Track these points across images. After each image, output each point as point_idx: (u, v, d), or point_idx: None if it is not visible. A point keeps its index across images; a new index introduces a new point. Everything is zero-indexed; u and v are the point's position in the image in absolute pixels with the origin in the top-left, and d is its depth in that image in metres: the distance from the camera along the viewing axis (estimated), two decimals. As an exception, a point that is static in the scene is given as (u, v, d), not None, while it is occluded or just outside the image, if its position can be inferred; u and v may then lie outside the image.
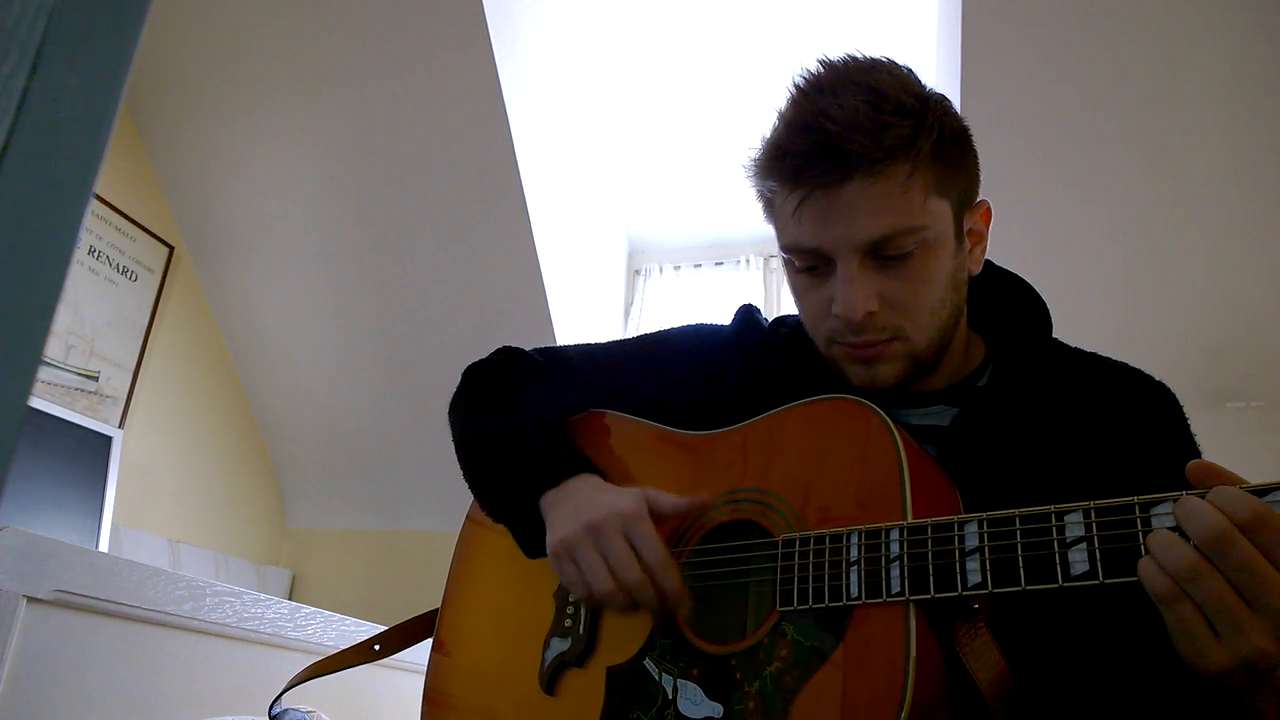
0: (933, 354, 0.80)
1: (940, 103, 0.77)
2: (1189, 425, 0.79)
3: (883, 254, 0.74)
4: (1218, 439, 0.82)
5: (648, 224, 3.50)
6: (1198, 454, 0.77)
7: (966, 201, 0.79)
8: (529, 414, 0.90)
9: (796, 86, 0.78)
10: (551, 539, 0.78)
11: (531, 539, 0.84)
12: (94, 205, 2.56)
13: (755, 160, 0.79)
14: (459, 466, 0.94)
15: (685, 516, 0.78)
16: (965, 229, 0.79)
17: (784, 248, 0.79)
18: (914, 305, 0.76)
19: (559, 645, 0.81)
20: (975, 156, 0.80)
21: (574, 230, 3.00)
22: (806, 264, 0.78)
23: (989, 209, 0.83)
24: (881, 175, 0.72)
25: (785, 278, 0.84)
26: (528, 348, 1.01)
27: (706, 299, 3.38)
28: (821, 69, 0.77)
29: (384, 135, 2.67)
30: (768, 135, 0.79)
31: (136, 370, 2.72)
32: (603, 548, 0.74)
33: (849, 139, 0.71)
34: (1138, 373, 0.82)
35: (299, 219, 2.91)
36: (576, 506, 0.78)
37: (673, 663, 0.74)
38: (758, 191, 0.82)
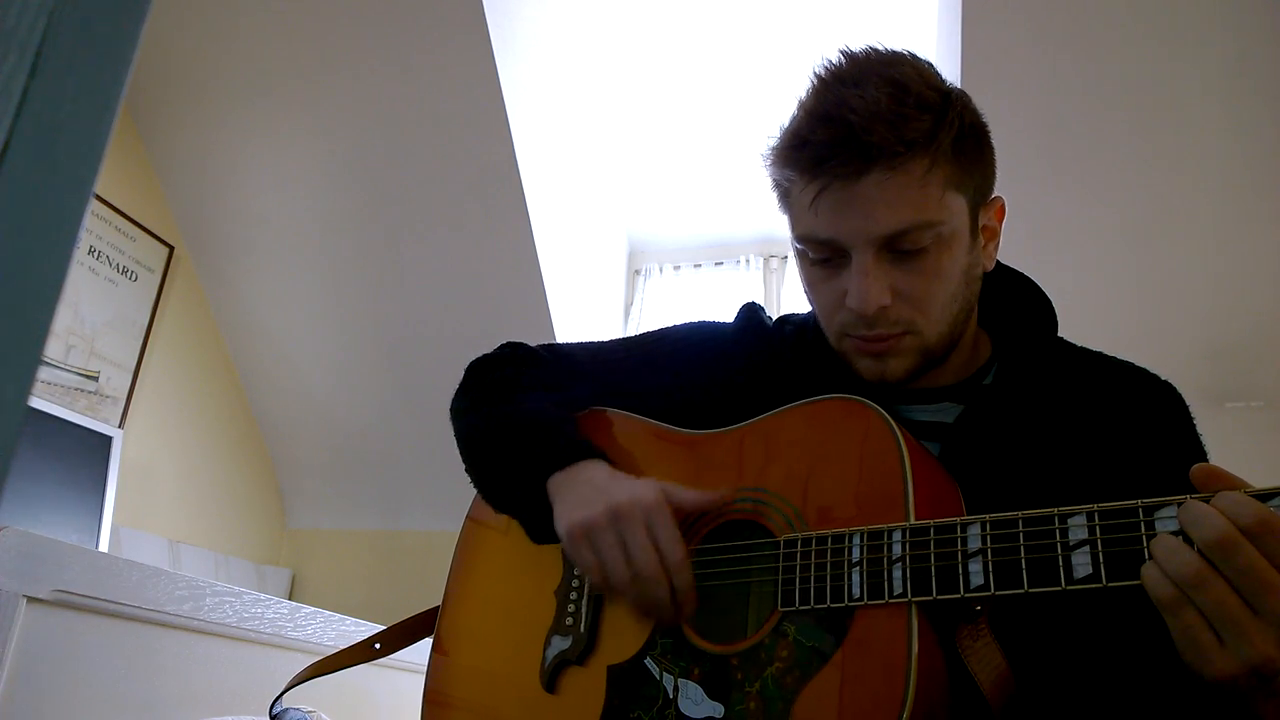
0: (943, 348, 0.79)
1: (960, 98, 0.77)
2: (1194, 425, 0.78)
3: (898, 248, 0.74)
4: (1217, 438, 0.82)
5: (648, 224, 3.50)
6: (1203, 453, 0.77)
7: (982, 197, 0.79)
8: (535, 401, 0.89)
9: (818, 76, 0.77)
10: (568, 520, 0.76)
11: (539, 523, 0.83)
12: (94, 205, 2.56)
13: (773, 149, 0.79)
14: (461, 459, 0.93)
15: (702, 513, 0.77)
16: (980, 225, 0.79)
17: (798, 238, 0.79)
18: (927, 300, 0.76)
19: (560, 643, 0.81)
20: (992, 153, 0.80)
21: (574, 230, 3.00)
22: (821, 256, 0.78)
23: (1003, 205, 0.82)
24: (901, 168, 0.71)
25: (798, 269, 0.83)
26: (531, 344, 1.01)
27: (706, 299, 3.37)
28: (843, 60, 0.77)
29: (384, 135, 2.67)
30: (786, 124, 0.78)
31: (136, 370, 2.71)
32: (624, 534, 0.73)
33: (870, 130, 0.70)
34: (1143, 372, 0.82)
35: (299, 220, 2.90)
36: (595, 490, 0.76)
37: (674, 662, 0.73)
38: (773, 181, 0.81)
